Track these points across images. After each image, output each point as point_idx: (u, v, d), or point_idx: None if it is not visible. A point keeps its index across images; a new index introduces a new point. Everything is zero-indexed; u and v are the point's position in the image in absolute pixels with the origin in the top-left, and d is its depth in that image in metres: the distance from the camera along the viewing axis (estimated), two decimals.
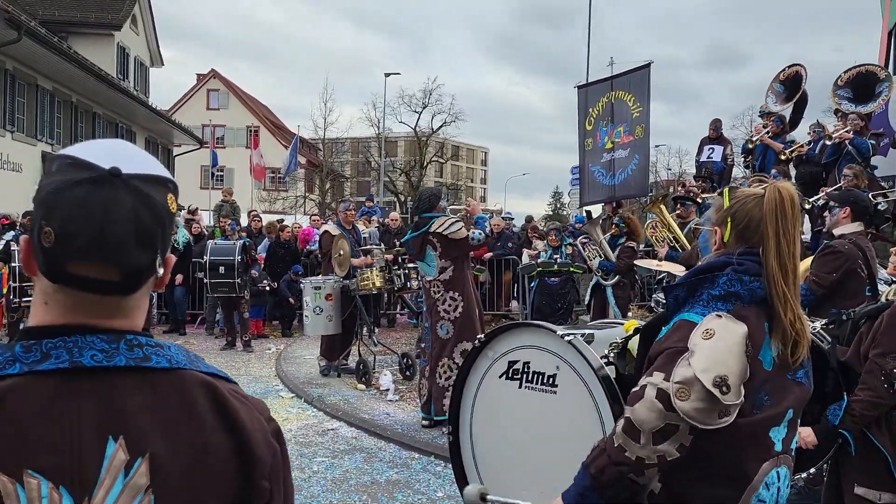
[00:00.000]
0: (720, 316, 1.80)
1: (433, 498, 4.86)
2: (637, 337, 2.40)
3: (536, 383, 2.90)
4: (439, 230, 5.96)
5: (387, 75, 37.60)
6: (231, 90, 47.38)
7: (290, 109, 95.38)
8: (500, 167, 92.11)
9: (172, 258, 1.10)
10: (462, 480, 3.18)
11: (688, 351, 1.77)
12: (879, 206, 7.87)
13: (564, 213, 50.15)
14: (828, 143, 8.76)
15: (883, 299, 3.19)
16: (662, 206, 7.67)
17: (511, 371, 3.01)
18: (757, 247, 1.91)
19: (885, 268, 5.42)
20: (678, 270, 6.40)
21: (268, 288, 11.21)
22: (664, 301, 5.96)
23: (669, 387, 1.74)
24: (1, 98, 17.15)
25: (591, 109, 12.54)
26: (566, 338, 2.77)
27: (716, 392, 1.69)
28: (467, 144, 69.13)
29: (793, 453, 1.97)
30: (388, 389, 7.46)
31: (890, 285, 4.47)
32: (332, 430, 6.46)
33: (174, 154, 30.46)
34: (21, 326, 9.96)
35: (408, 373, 8.02)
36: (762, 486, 1.84)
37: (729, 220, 1.97)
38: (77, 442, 0.93)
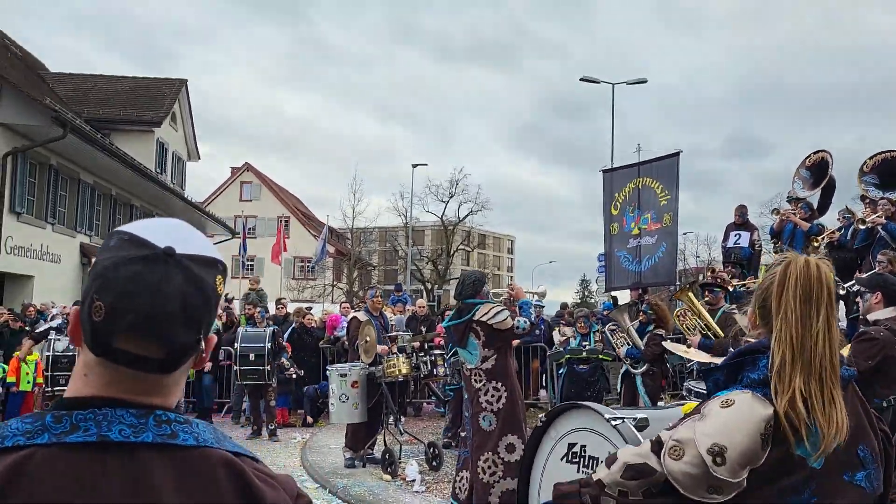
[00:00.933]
0: (748, 393, 1.67)
1: None
2: None
3: (592, 468, 2.78)
4: (484, 319, 5.75)
5: (414, 166, 38.48)
6: (263, 182, 48.77)
7: (319, 199, 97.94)
8: (526, 255, 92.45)
9: (214, 338, 1.11)
10: None
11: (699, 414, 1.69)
12: None
13: (592, 300, 49.84)
14: (860, 227, 8.72)
15: None
16: (691, 294, 7.60)
17: (570, 454, 2.93)
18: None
19: None
20: (707, 359, 6.28)
21: (294, 376, 11.17)
22: (697, 390, 5.77)
23: (666, 440, 1.67)
24: (44, 192, 17.82)
25: (616, 194, 12.61)
26: (613, 423, 2.66)
27: (708, 459, 1.56)
28: (493, 233, 69.72)
29: None
30: (414, 480, 7.28)
31: None
32: None
33: None
34: None
35: (434, 463, 7.83)
36: None
37: (755, 297, 1.85)
38: None
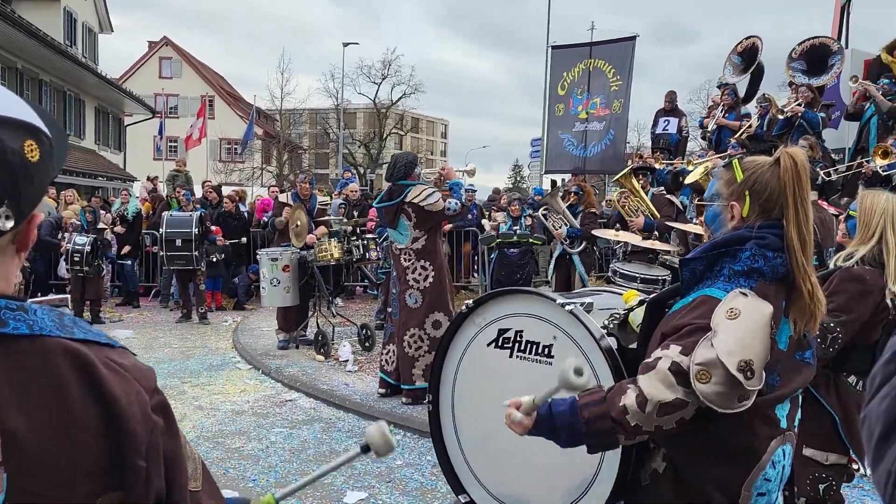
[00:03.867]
0: (745, 294, 1.73)
1: (392, 466, 4.87)
2: (640, 309, 2.33)
3: (530, 353, 2.77)
4: (415, 201, 5.82)
5: (345, 45, 36.95)
6: (184, 58, 46.11)
7: (245, 79, 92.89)
8: (460, 140, 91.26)
9: (40, 216, 0.98)
10: (441, 450, 3.13)
11: (710, 330, 1.70)
12: (831, 178, 8.06)
13: (524, 185, 50.36)
14: (779, 116, 8.92)
15: (831, 265, 3.24)
16: (634, 179, 7.78)
17: (501, 339, 2.87)
18: (778, 219, 1.84)
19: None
20: (635, 240, 6.47)
21: (214, 259, 11.02)
22: (622, 271, 5.92)
23: (690, 367, 1.67)
24: None
25: (565, 73, 12.26)
26: (567, 307, 2.62)
27: (740, 377, 1.62)
28: (427, 116, 68.68)
29: (796, 430, 1.93)
30: (347, 360, 7.42)
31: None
32: (291, 401, 6.42)
33: (126, 124, 29.62)
34: None
35: (367, 344, 7.99)
36: (769, 465, 1.81)
37: (747, 193, 1.88)
38: None
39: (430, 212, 5.83)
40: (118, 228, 11.43)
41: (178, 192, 11.49)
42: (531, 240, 9.97)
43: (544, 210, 9.19)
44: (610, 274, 6.34)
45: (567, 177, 12.69)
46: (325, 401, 6.33)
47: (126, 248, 11.43)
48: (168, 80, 44.20)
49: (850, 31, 11.72)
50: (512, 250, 9.95)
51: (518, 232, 10.02)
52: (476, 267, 12.23)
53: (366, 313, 10.43)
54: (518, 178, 62.36)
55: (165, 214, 10.35)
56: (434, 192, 5.92)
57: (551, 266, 9.20)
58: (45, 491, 0.88)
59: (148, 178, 14.06)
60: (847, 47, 10.65)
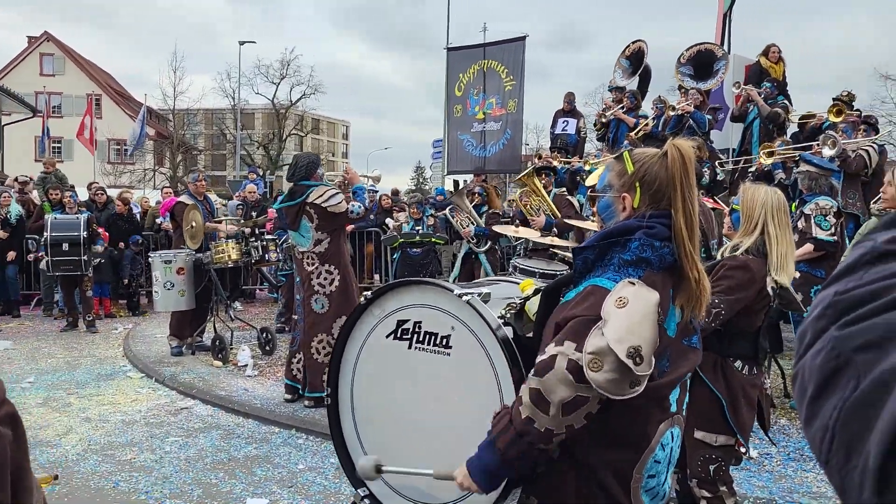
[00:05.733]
0: (633, 283, 1.76)
1: (294, 471, 4.74)
2: (536, 298, 2.34)
3: (428, 344, 2.74)
4: (318, 202, 5.65)
5: (241, 43, 36.02)
6: (67, 54, 43.64)
7: (135, 77, 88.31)
8: (361, 141, 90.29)
9: None
10: (341, 446, 3.06)
11: (600, 320, 1.73)
12: (718, 177, 8.48)
13: (427, 186, 50.57)
14: (671, 113, 9.30)
15: (718, 256, 3.40)
16: (536, 178, 7.93)
17: (400, 331, 2.83)
18: (667, 209, 1.88)
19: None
20: (534, 236, 6.58)
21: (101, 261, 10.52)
22: (522, 266, 6.01)
23: (582, 357, 1.69)
24: None
25: (461, 75, 12.44)
26: (464, 297, 2.59)
27: (629, 363, 1.65)
28: (328, 118, 67.88)
29: (684, 413, 2.00)
30: (246, 365, 7.19)
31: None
32: (186, 408, 6.16)
33: (3, 123, 27.72)
34: None
35: (267, 348, 7.77)
36: (658, 447, 1.87)
37: (637, 184, 1.92)
38: None
39: (332, 213, 5.68)
40: (0, 233, 10.58)
41: (57, 193, 10.76)
42: (434, 239, 10.00)
43: (451, 209, 9.29)
44: (511, 270, 6.43)
45: (469, 177, 12.82)
46: (224, 407, 6.11)
47: (11, 255, 10.60)
48: (50, 77, 41.79)
49: (731, 38, 12.40)
50: (415, 250, 9.94)
51: (420, 232, 10.03)
52: (379, 267, 12.15)
53: (266, 317, 10.18)
54: (421, 180, 62.52)
55: (49, 217, 9.72)
56: (337, 193, 5.78)
57: (457, 265, 9.29)
58: None
59: (16, 180, 12.84)
60: (729, 53, 11.26)
